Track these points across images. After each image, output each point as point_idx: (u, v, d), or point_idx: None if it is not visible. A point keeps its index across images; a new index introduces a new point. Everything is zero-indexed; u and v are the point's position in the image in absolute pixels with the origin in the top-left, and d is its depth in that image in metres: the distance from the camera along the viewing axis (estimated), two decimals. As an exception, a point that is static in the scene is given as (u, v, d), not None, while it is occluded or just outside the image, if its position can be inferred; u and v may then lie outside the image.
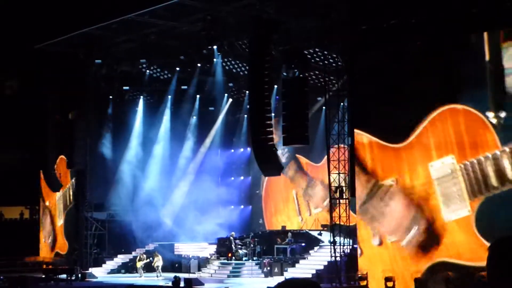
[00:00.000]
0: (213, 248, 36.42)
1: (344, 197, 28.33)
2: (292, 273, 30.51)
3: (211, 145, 41.43)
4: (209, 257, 35.48)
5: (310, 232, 34.39)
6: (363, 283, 25.90)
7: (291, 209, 39.07)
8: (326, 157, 34.79)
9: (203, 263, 34.73)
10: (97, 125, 38.66)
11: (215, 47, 33.65)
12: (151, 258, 34.71)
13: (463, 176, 23.79)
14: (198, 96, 40.72)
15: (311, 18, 29.39)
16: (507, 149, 22.81)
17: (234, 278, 31.85)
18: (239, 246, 34.15)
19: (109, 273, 36.77)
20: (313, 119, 32.88)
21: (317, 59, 33.73)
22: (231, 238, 34.55)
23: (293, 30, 30.51)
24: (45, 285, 32.44)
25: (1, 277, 31.45)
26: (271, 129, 28.32)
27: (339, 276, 27.60)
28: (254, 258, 33.22)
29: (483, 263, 23.03)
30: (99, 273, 36.19)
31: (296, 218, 38.58)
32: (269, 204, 40.71)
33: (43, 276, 34.10)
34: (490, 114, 23.32)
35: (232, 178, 42.32)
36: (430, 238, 24.68)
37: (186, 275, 31.34)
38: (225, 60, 37.60)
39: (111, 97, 39.43)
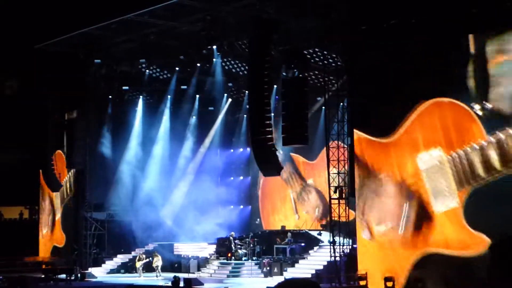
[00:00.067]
0: (213, 248, 36.41)
1: (343, 197, 28.29)
2: (291, 273, 30.50)
3: (210, 145, 41.43)
4: (208, 257, 35.47)
5: (310, 232, 34.40)
6: (363, 283, 25.90)
7: (288, 208, 39.12)
8: (321, 154, 35.13)
9: (202, 263, 34.73)
10: (97, 125, 38.67)
11: (214, 47, 33.66)
12: (150, 258, 34.70)
13: (451, 167, 24.08)
14: (197, 96, 40.72)
15: (311, 18, 29.38)
16: (493, 139, 23.05)
17: (233, 278, 31.84)
18: (239, 246, 34.15)
19: (108, 273, 36.77)
20: (312, 119, 32.88)
21: (317, 59, 33.73)
22: (231, 238, 34.55)
23: (293, 30, 30.49)
24: (44, 285, 32.42)
25: (1, 277, 31.44)
26: (270, 129, 28.30)
27: (339, 276, 27.59)
28: (254, 258, 33.22)
29: (471, 254, 22.53)
30: (99, 273, 36.20)
31: (293, 216, 38.63)
32: (266, 203, 40.74)
33: (43, 276, 34.06)
34: (476, 106, 23.63)
35: (232, 178, 42.33)
36: (420, 229, 24.93)
37: (186, 275, 31.36)
38: (225, 60, 37.59)
39: (110, 97, 39.44)
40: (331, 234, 28.48)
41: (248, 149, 39.94)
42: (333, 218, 28.53)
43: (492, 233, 22.70)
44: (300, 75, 29.52)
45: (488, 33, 23.54)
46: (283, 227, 36.87)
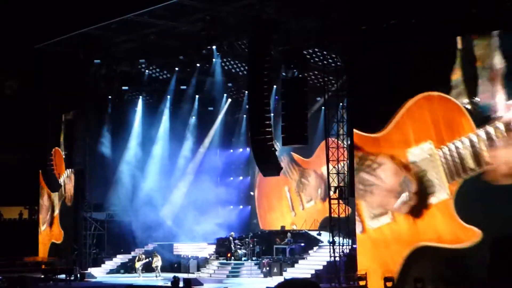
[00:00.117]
0: (212, 248, 36.41)
1: (343, 197, 28.28)
2: (291, 273, 30.49)
3: (210, 145, 41.43)
4: (208, 257, 35.47)
5: (309, 232, 34.40)
6: (362, 283, 25.89)
7: (284, 206, 39.16)
8: (317, 152, 35.19)
9: (202, 263, 34.72)
10: (97, 125, 38.68)
11: (214, 47, 33.66)
12: (150, 258, 34.69)
13: (441, 160, 24.47)
14: (197, 96, 40.73)
15: (311, 18, 29.38)
16: (482, 131, 23.46)
17: (233, 278, 31.83)
18: (238, 246, 34.14)
19: (108, 273, 36.77)
20: (312, 119, 32.89)
21: (316, 59, 33.74)
22: (230, 238, 34.55)
23: (293, 30, 30.49)
24: (44, 285, 32.42)
25: (0, 277, 31.39)
26: (270, 129, 28.30)
27: (338, 276, 27.59)
28: (253, 258, 33.21)
29: (462, 246, 22.78)
30: (98, 273, 36.19)
31: (290, 214, 38.66)
32: (262, 203, 40.77)
33: (42, 276, 34.04)
34: (465, 100, 24.02)
35: (231, 178, 42.32)
36: (413, 223, 25.17)
37: (185, 275, 31.34)
38: (224, 60, 37.59)
39: (110, 97, 39.44)
40: (330, 234, 28.47)
41: (248, 149, 39.95)
42: (332, 218, 28.50)
43: (483, 225, 23.08)
44: (300, 75, 29.53)
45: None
46: (282, 227, 36.86)
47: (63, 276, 33.48)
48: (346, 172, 28.46)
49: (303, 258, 31.97)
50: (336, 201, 28.20)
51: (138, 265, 34.75)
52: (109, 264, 37.59)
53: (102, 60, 37.20)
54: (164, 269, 34.64)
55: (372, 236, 26.35)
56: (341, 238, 28.25)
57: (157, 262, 34.26)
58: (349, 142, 28.20)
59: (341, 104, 29.37)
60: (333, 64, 31.40)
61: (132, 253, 37.61)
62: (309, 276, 28.68)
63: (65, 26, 34.88)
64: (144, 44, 35.67)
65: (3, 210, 48.82)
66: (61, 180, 41.95)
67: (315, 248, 32.34)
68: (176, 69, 38.58)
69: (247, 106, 35.02)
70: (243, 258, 33.46)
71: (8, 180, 45.07)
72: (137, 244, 38.16)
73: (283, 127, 28.23)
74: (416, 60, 25.20)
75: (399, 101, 25.62)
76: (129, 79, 38.83)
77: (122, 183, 38.70)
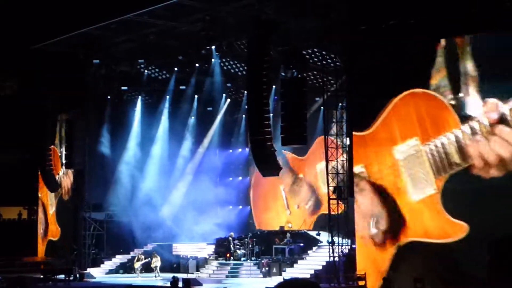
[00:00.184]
0: (212, 248, 36.38)
1: (342, 197, 28.29)
2: (290, 273, 30.47)
3: (209, 145, 41.40)
4: (207, 257, 35.45)
5: (309, 232, 34.41)
6: (362, 283, 25.89)
7: (279, 205, 39.13)
8: (311, 149, 35.17)
9: (201, 263, 34.72)
10: (96, 125, 38.69)
11: (213, 47, 33.66)
12: (149, 259, 34.67)
13: (428, 156, 24.67)
14: (196, 96, 40.71)
15: (310, 18, 29.37)
16: (466, 127, 23.72)
17: (232, 278, 31.83)
18: (238, 247, 34.13)
19: (107, 273, 36.76)
20: (311, 119, 32.87)
21: (316, 59, 33.74)
22: (230, 238, 34.54)
23: (292, 30, 30.48)
24: (43, 285, 32.43)
25: (0, 277, 31.41)
26: (269, 129, 28.30)
27: (338, 276, 27.57)
28: (253, 258, 33.21)
29: (450, 240, 22.74)
30: (97, 273, 36.18)
31: (285, 212, 38.65)
32: (258, 203, 40.73)
33: (42, 276, 34.08)
34: (449, 96, 24.26)
35: (231, 179, 42.28)
36: (395, 222, 25.35)
37: (185, 276, 31.33)
38: (223, 60, 37.57)
39: (109, 97, 39.46)
40: (329, 235, 28.47)
41: (247, 149, 39.93)
42: (331, 218, 28.50)
43: (470, 220, 23.27)
44: (299, 75, 29.48)
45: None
46: (281, 227, 36.86)
47: (62, 276, 33.51)
48: (345, 172, 28.45)
49: (302, 258, 31.96)
50: (335, 201, 28.21)
51: (137, 265, 34.74)
52: (108, 264, 37.59)
53: (102, 60, 37.22)
54: (163, 269, 34.62)
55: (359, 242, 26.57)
56: (340, 238, 28.24)
57: (156, 262, 34.24)
58: (348, 142, 28.18)
59: (340, 104, 29.36)
60: (332, 64, 31.39)
61: (131, 253, 37.59)
62: (308, 276, 28.68)
63: (64, 26, 34.89)
64: (144, 44, 35.68)
65: (2, 210, 48.82)
66: (57, 177, 41.99)
67: (314, 248, 32.34)
68: (175, 69, 38.56)
69: (246, 106, 34.93)
70: (242, 258, 33.45)
71: (8, 180, 45.06)
72: (136, 244, 38.15)
73: (282, 127, 28.21)
74: (416, 60, 25.19)
75: (387, 98, 25.84)
76: (129, 79, 38.86)
77: (122, 183, 38.68)
